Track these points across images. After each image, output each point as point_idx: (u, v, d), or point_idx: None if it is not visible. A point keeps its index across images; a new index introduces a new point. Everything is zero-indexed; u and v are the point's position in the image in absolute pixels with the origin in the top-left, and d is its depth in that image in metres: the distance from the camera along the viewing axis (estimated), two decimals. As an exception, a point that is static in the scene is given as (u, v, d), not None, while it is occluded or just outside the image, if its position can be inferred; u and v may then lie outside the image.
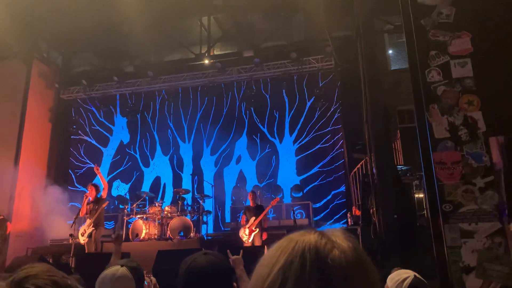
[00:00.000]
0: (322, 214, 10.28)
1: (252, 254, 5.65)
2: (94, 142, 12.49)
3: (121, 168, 12.04)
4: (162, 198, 11.27)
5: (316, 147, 10.84)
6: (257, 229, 7.62)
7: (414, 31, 3.35)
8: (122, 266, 1.97)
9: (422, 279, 2.26)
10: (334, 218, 10.21)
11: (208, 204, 10.50)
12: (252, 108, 11.37)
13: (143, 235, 8.58)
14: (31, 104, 11.21)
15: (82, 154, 12.39)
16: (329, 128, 10.87)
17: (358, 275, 0.71)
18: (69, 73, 12.80)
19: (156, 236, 8.78)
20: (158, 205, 9.23)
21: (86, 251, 7.37)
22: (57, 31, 11.02)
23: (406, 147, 9.43)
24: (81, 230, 7.60)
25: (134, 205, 9.49)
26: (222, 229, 10.59)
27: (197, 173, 11.45)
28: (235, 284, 1.92)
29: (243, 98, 11.50)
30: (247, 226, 7.71)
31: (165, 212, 9.07)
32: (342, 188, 10.35)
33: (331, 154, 10.70)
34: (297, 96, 11.23)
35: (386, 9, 8.55)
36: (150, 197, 10.36)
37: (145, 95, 12.40)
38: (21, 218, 10.36)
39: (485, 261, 2.81)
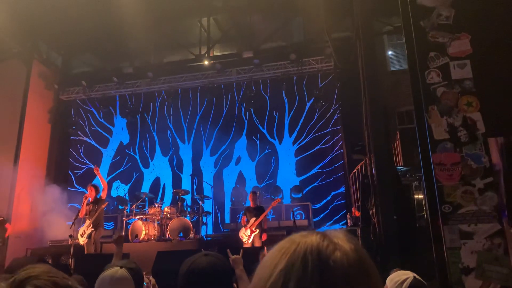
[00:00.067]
0: (322, 215, 10.28)
1: (252, 254, 5.64)
2: (93, 143, 12.49)
3: (121, 169, 12.04)
4: (162, 199, 11.27)
5: (315, 148, 10.85)
6: (257, 230, 7.62)
7: (414, 33, 3.36)
8: (121, 267, 1.98)
9: (422, 280, 2.26)
10: (334, 219, 10.21)
11: (208, 205, 10.50)
12: (251, 109, 11.38)
13: (142, 236, 8.57)
14: (30, 104, 11.21)
15: (82, 155, 12.39)
16: (328, 129, 10.88)
17: (360, 277, 0.71)
18: (68, 74, 12.80)
19: (155, 237, 8.77)
20: (158, 206, 9.23)
21: (86, 252, 7.36)
22: (57, 32, 11.03)
23: (405, 148, 9.43)
24: (81, 231, 7.59)
25: (134, 206, 9.49)
26: (222, 230, 10.58)
27: (197, 174, 11.45)
28: (235, 285, 1.93)
29: (242, 99, 11.50)
30: (247, 226, 7.71)
31: (165, 213, 9.06)
32: (342, 189, 10.36)
33: (331, 155, 10.71)
34: (297, 97, 11.24)
35: (386, 10, 8.57)
36: (150, 198, 10.35)
37: (145, 96, 12.41)
38: (20, 218, 10.35)
39: (484, 262, 2.81)
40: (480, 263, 2.82)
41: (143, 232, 8.60)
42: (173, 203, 9.98)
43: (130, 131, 12.37)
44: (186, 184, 11.37)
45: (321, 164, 10.69)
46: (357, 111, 8.36)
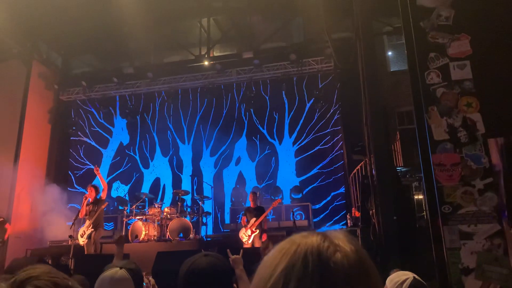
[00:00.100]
0: (322, 216, 10.29)
1: (252, 255, 5.65)
2: (93, 143, 12.49)
3: (121, 170, 12.04)
4: (162, 199, 11.27)
5: (315, 149, 10.85)
6: (257, 230, 7.63)
7: (414, 33, 3.36)
8: (120, 268, 1.98)
9: (421, 280, 2.26)
10: (334, 219, 10.21)
11: (208, 205, 10.50)
12: (251, 110, 11.38)
13: (142, 236, 8.57)
14: (30, 105, 11.21)
15: (82, 155, 12.39)
16: (328, 130, 10.88)
17: (360, 278, 0.71)
18: (68, 74, 12.81)
19: (155, 238, 8.77)
20: (158, 206, 9.23)
21: (86, 253, 7.36)
22: (56, 32, 11.03)
23: (405, 149, 9.44)
24: (81, 231, 7.59)
25: (134, 206, 9.49)
26: (222, 230, 10.58)
27: (197, 174, 11.46)
28: (235, 285, 1.93)
29: (242, 100, 11.51)
30: (248, 227, 7.72)
31: (165, 213, 9.06)
32: (342, 190, 10.36)
33: (331, 156, 10.71)
34: (297, 98, 11.24)
35: (386, 10, 8.58)
36: (150, 198, 10.35)
37: (145, 96, 12.41)
38: (20, 219, 10.35)
39: (484, 262, 2.82)
40: (480, 263, 2.82)
41: (143, 233, 8.60)
42: (173, 203, 9.99)
43: (130, 132, 12.37)
44: (186, 184, 11.37)
45: (321, 165, 10.70)
46: (357, 112, 8.36)
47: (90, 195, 7.72)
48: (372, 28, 7.83)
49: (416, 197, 7.46)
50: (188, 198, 10.26)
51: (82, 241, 7.46)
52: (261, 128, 11.40)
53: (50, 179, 11.43)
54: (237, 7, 10.79)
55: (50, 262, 7.75)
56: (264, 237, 7.66)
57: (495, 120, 3.09)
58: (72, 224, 7.60)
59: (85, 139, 12.53)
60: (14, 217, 10.08)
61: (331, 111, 10.94)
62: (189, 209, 9.70)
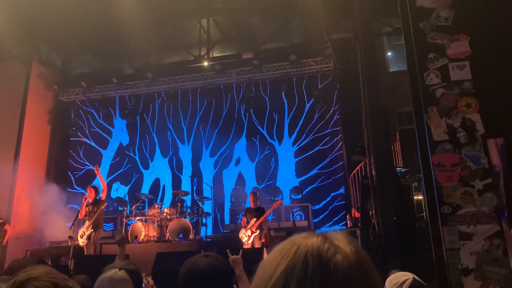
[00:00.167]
0: (321, 216, 10.29)
1: (252, 255, 5.65)
2: (93, 144, 12.49)
3: (121, 170, 12.04)
4: (162, 200, 11.27)
5: (315, 149, 10.85)
6: (258, 231, 7.63)
7: (413, 34, 3.37)
8: (120, 269, 1.98)
9: (421, 281, 2.26)
10: (333, 220, 10.21)
11: (207, 206, 10.50)
12: (251, 110, 11.39)
13: (142, 237, 8.57)
14: (30, 105, 11.21)
15: (82, 156, 12.39)
16: (328, 130, 10.88)
17: (360, 280, 0.71)
18: (68, 75, 12.81)
19: (155, 238, 8.77)
20: (157, 207, 9.22)
21: (85, 253, 7.36)
22: (56, 33, 11.03)
23: (405, 149, 9.44)
24: (80, 232, 7.59)
25: (133, 207, 9.49)
26: (221, 231, 10.58)
27: (196, 175, 11.46)
28: (235, 286, 1.93)
29: (242, 100, 11.51)
30: (248, 227, 7.72)
31: (164, 214, 9.06)
32: (341, 190, 10.36)
33: (330, 156, 10.71)
34: (296, 98, 11.25)
35: (385, 11, 8.59)
36: (149, 199, 10.36)
37: (145, 97, 12.41)
38: (20, 220, 10.35)
39: (483, 263, 2.82)
40: (480, 264, 2.82)
41: (143, 233, 8.60)
42: (173, 204, 9.98)
43: (129, 132, 12.37)
44: (185, 185, 11.37)
45: (320, 165, 10.70)
46: (356, 112, 8.36)
47: (89, 195, 7.72)
48: (371, 28, 7.83)
49: (415, 197, 7.46)
50: (187, 199, 10.26)
51: (81, 241, 7.46)
52: (260, 129, 11.40)
53: (50, 180, 11.43)
54: (237, 8, 10.79)
55: (49, 263, 7.74)
56: (264, 238, 7.67)
57: (494, 121, 3.09)
58: (72, 224, 7.60)
59: (84, 139, 12.53)
60: (14, 218, 10.07)
61: (331, 111, 10.94)
62: (188, 210, 9.70)
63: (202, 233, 9.45)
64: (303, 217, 9.57)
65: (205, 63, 11.05)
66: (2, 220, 8.97)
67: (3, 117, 10.73)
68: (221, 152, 11.53)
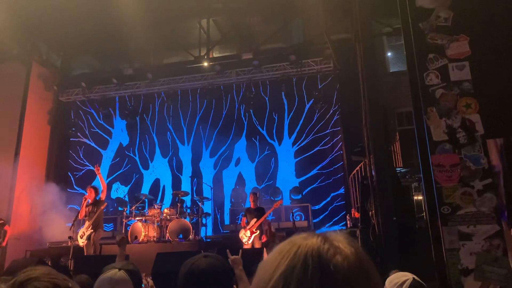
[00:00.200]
0: (321, 216, 10.29)
1: (252, 255, 5.65)
2: (93, 144, 12.49)
3: (121, 171, 12.04)
4: (161, 200, 11.28)
5: (315, 149, 10.85)
6: (258, 231, 7.63)
7: (413, 34, 3.37)
8: (119, 269, 1.98)
9: (421, 281, 2.26)
10: (333, 220, 10.21)
11: (207, 206, 10.50)
12: (251, 110, 11.39)
13: (142, 237, 8.57)
14: (30, 106, 11.22)
15: (81, 157, 12.39)
16: (328, 130, 10.89)
17: (360, 281, 0.71)
18: (68, 75, 12.81)
19: (155, 239, 8.77)
20: (157, 208, 9.22)
21: (85, 254, 7.36)
22: (56, 33, 11.03)
23: (405, 149, 9.44)
24: (80, 232, 7.59)
25: (133, 207, 9.49)
26: (221, 231, 10.58)
27: (196, 175, 11.45)
28: (235, 286, 1.93)
29: (242, 101, 11.51)
30: (248, 227, 7.72)
31: (164, 214, 9.06)
32: (341, 190, 10.36)
33: (330, 156, 10.71)
34: (296, 99, 11.25)
35: (385, 11, 8.59)
36: (149, 199, 10.36)
37: (144, 97, 12.41)
38: (20, 220, 10.35)
39: (483, 263, 2.82)
40: (479, 264, 2.82)
41: (143, 234, 8.60)
42: (173, 204, 9.99)
43: (129, 133, 12.37)
44: (185, 185, 11.37)
45: (320, 165, 10.70)
46: (356, 112, 8.36)
47: (89, 196, 7.73)
48: (371, 29, 7.83)
49: (415, 198, 7.45)
50: (187, 199, 10.26)
51: (81, 242, 7.46)
52: (260, 129, 11.40)
53: (50, 180, 11.43)
54: (237, 8, 10.80)
55: (49, 263, 7.74)
56: (264, 238, 7.66)
57: (494, 121, 3.10)
58: (72, 225, 7.61)
59: (84, 140, 12.53)
60: (13, 218, 10.07)
61: (331, 112, 10.95)
62: (188, 210, 9.70)
63: (202, 234, 9.45)
64: (303, 217, 9.57)
65: (205, 64, 11.06)
66: (2, 221, 8.97)
67: (3, 117, 10.74)
68: (221, 153, 11.53)
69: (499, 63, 3.19)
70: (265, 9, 10.65)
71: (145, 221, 9.03)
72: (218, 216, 10.94)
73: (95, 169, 8.24)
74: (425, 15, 3.39)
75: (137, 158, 12.09)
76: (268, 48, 11.16)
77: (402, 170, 8.13)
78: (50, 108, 12.30)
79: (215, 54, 11.75)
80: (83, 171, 12.20)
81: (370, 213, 6.65)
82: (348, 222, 8.73)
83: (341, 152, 10.57)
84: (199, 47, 11.02)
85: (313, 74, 11.17)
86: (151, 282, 4.94)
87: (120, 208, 10.70)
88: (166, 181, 11.75)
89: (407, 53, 3.39)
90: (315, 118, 10.99)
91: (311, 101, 11.03)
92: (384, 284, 2.30)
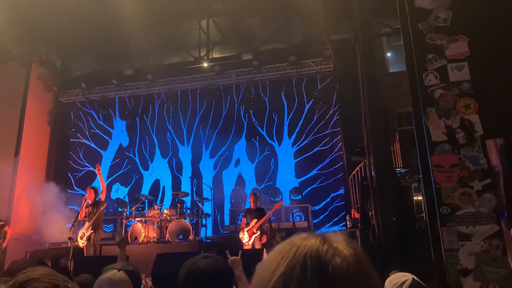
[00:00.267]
0: (321, 217, 10.29)
1: (251, 256, 5.65)
2: (93, 145, 12.49)
3: (120, 171, 12.04)
4: (161, 201, 11.28)
5: (315, 150, 10.86)
6: (258, 232, 7.63)
7: (412, 35, 3.37)
8: (119, 270, 1.98)
9: (421, 282, 2.26)
10: (333, 220, 10.21)
11: (207, 207, 10.50)
12: (251, 111, 11.39)
13: (142, 238, 8.57)
14: (30, 107, 11.22)
15: (81, 157, 12.39)
16: (327, 131, 10.89)
17: (359, 282, 0.72)
18: (68, 76, 12.81)
19: (155, 239, 8.77)
20: (157, 208, 9.22)
21: (85, 254, 7.36)
22: (56, 34, 11.03)
23: (404, 150, 9.43)
24: (80, 233, 7.59)
25: (133, 208, 9.49)
26: (221, 232, 10.58)
27: (196, 176, 11.45)
28: (234, 287, 1.93)
29: (242, 101, 11.52)
30: (248, 228, 7.72)
31: (164, 215, 9.06)
32: (341, 191, 10.36)
33: (330, 157, 10.71)
34: (296, 99, 11.25)
35: (385, 12, 8.59)
36: (149, 200, 10.36)
37: (144, 98, 12.42)
38: (20, 221, 10.34)
39: (482, 263, 2.82)
40: (479, 264, 2.82)
41: (143, 234, 8.60)
42: (173, 205, 9.98)
43: (129, 133, 12.37)
44: (185, 186, 11.37)
45: (320, 166, 10.70)
46: (356, 113, 8.35)
47: (89, 197, 7.73)
48: (371, 29, 7.82)
49: (415, 198, 7.45)
50: (187, 200, 10.25)
51: (81, 243, 7.46)
52: (260, 130, 11.41)
53: (50, 181, 11.42)
54: (236, 9, 10.80)
55: (49, 264, 7.74)
56: (264, 238, 7.66)
57: (493, 122, 3.10)
58: (72, 226, 7.61)
59: (84, 141, 12.53)
60: (13, 219, 10.07)
61: (330, 112, 10.95)
62: (188, 211, 9.69)
63: (202, 234, 9.45)
64: (303, 218, 9.57)
65: (205, 64, 11.06)
66: (2, 222, 8.96)
67: (3, 118, 10.73)
68: (220, 153, 11.53)
69: (498, 63, 3.19)
70: (264, 10, 10.66)
71: (145, 222, 9.02)
72: (218, 217, 10.94)
73: (96, 169, 8.23)
74: (424, 16, 3.40)
75: (137, 159, 12.09)
76: (268, 49, 11.17)
77: (402, 171, 8.12)
78: (50, 109, 12.30)
79: (215, 55, 11.75)
80: (83, 172, 12.20)
81: (370, 213, 6.65)
82: (348, 222, 8.73)
83: (341, 152, 10.57)
84: (199, 48, 11.02)
85: (312, 74, 11.18)
86: (150, 282, 4.94)
87: (120, 209, 10.70)
88: (166, 182, 11.76)
89: (406, 54, 3.39)
90: (314, 119, 11.00)
91: (311, 102, 11.04)
92: (383, 285, 2.31)
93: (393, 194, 6.26)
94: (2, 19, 9.12)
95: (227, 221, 10.71)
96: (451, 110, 3.15)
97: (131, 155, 12.14)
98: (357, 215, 7.84)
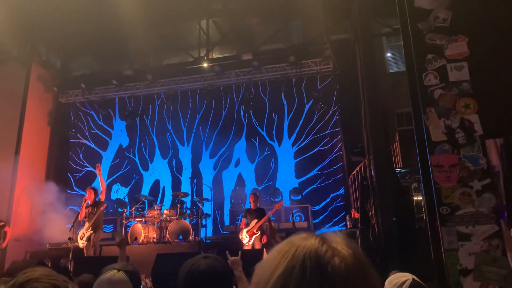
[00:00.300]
0: (321, 217, 10.29)
1: (251, 256, 5.65)
2: (93, 145, 12.49)
3: (120, 172, 12.04)
4: (161, 201, 11.28)
5: (314, 150, 10.86)
6: (258, 232, 7.63)
7: (411, 35, 3.37)
8: (118, 270, 1.98)
9: (421, 282, 2.26)
10: (333, 221, 10.21)
11: (207, 207, 10.50)
12: (251, 111, 11.39)
13: (142, 238, 8.57)
14: (30, 107, 11.21)
15: (81, 158, 12.39)
16: (327, 131, 10.89)
17: (358, 283, 0.72)
18: (68, 77, 12.81)
19: (155, 240, 8.76)
20: (157, 209, 9.22)
21: (85, 255, 7.35)
22: (56, 34, 11.03)
23: (404, 150, 9.43)
24: (80, 233, 7.59)
25: (133, 208, 9.48)
26: (221, 232, 10.58)
27: (196, 176, 11.45)
28: (234, 287, 1.93)
29: (242, 101, 11.52)
30: (248, 228, 7.72)
31: (164, 216, 9.06)
32: (341, 191, 10.36)
33: (330, 157, 10.71)
34: (296, 99, 11.25)
35: (384, 12, 8.59)
36: (149, 200, 10.35)
37: (144, 98, 12.42)
38: (19, 221, 10.34)
39: (482, 263, 2.82)
40: (478, 264, 2.82)
41: (143, 235, 8.60)
42: (173, 205, 9.98)
43: (129, 134, 12.37)
44: (185, 186, 11.37)
45: (320, 166, 10.70)
46: (356, 113, 8.35)
47: (89, 197, 7.72)
48: (371, 29, 7.83)
49: (415, 198, 7.45)
50: (187, 200, 10.25)
51: (81, 243, 7.46)
52: (260, 130, 11.41)
53: (50, 181, 11.41)
54: (236, 9, 10.80)
55: (49, 265, 7.74)
56: (265, 239, 7.66)
57: (493, 122, 3.10)
58: (72, 226, 7.61)
59: (84, 141, 12.53)
60: (13, 219, 10.07)
61: (330, 112, 10.95)
62: (188, 211, 9.69)
63: (202, 235, 9.45)
64: (303, 218, 9.58)
65: (205, 64, 11.06)
66: (2, 223, 8.96)
67: (3, 118, 10.73)
68: (220, 153, 11.53)
69: (498, 63, 3.20)
70: (264, 10, 10.66)
71: (145, 222, 9.02)
72: (218, 217, 10.94)
73: (96, 169, 8.23)
74: (424, 16, 3.40)
75: (137, 159, 12.09)
76: (267, 49, 11.17)
77: (401, 171, 8.12)
78: (50, 109, 12.30)
79: (215, 55, 11.75)
80: (83, 172, 12.20)
81: (370, 213, 6.65)
82: (348, 222, 8.73)
83: (341, 152, 10.58)
84: (198, 48, 11.02)
85: (312, 74, 11.18)
86: (149, 283, 4.94)
87: (120, 209, 10.70)
88: (166, 182, 11.76)
89: (406, 54, 3.39)
90: (314, 119, 11.00)
91: (311, 102, 11.04)
92: (383, 285, 2.31)
93: (393, 194, 6.27)
94: (2, 19, 9.12)
95: (227, 222, 10.71)
96: (451, 110, 3.16)
97: (131, 156, 12.14)
98: (357, 215, 7.84)
